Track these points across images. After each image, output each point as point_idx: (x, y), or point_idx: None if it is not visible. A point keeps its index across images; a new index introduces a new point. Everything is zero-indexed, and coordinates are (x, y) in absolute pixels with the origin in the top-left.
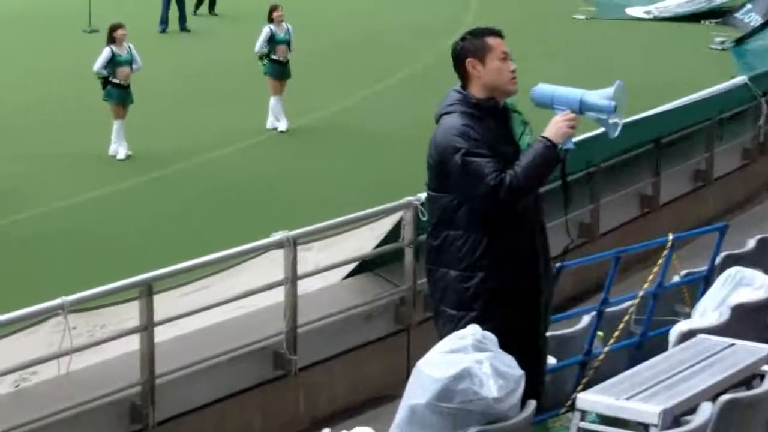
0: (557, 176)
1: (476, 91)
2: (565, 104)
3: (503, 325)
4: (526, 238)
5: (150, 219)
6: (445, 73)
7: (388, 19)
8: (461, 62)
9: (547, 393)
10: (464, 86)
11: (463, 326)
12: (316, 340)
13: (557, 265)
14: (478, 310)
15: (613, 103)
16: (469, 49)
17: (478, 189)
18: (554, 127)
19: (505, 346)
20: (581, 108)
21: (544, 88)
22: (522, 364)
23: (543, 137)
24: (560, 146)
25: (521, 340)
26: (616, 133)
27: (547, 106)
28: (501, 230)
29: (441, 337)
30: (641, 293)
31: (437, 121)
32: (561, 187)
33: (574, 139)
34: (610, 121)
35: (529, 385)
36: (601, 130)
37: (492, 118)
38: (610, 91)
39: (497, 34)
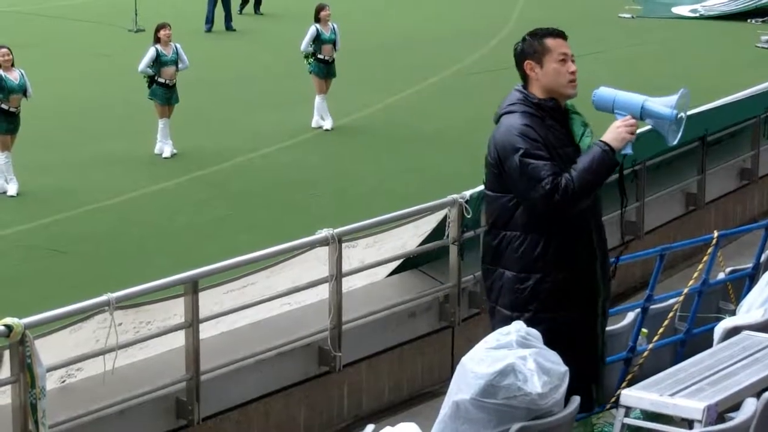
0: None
1: (536, 92)
2: (627, 110)
3: (557, 327)
4: (584, 239)
5: (195, 216)
6: (488, 73)
7: (432, 22)
8: (520, 64)
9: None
10: (525, 86)
11: None
12: (360, 337)
13: (612, 260)
14: (533, 311)
15: (675, 112)
16: (527, 51)
17: (534, 192)
18: (614, 133)
19: (558, 347)
20: (642, 114)
21: (605, 92)
22: (577, 366)
23: (602, 141)
24: (619, 151)
25: (577, 341)
26: (676, 141)
27: (608, 110)
28: (559, 231)
29: None
30: (686, 290)
31: (497, 120)
32: (619, 190)
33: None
34: (669, 128)
35: (584, 387)
36: (646, 128)
37: (552, 119)
38: (673, 99)
39: (558, 34)
